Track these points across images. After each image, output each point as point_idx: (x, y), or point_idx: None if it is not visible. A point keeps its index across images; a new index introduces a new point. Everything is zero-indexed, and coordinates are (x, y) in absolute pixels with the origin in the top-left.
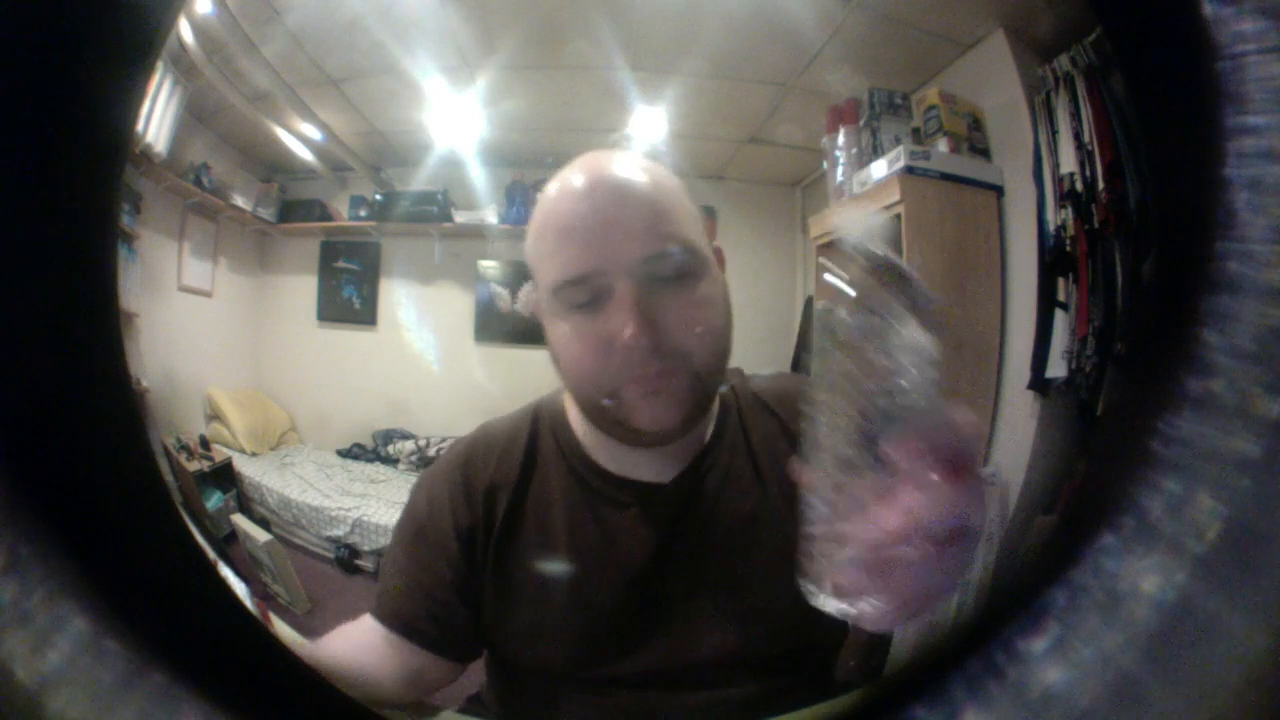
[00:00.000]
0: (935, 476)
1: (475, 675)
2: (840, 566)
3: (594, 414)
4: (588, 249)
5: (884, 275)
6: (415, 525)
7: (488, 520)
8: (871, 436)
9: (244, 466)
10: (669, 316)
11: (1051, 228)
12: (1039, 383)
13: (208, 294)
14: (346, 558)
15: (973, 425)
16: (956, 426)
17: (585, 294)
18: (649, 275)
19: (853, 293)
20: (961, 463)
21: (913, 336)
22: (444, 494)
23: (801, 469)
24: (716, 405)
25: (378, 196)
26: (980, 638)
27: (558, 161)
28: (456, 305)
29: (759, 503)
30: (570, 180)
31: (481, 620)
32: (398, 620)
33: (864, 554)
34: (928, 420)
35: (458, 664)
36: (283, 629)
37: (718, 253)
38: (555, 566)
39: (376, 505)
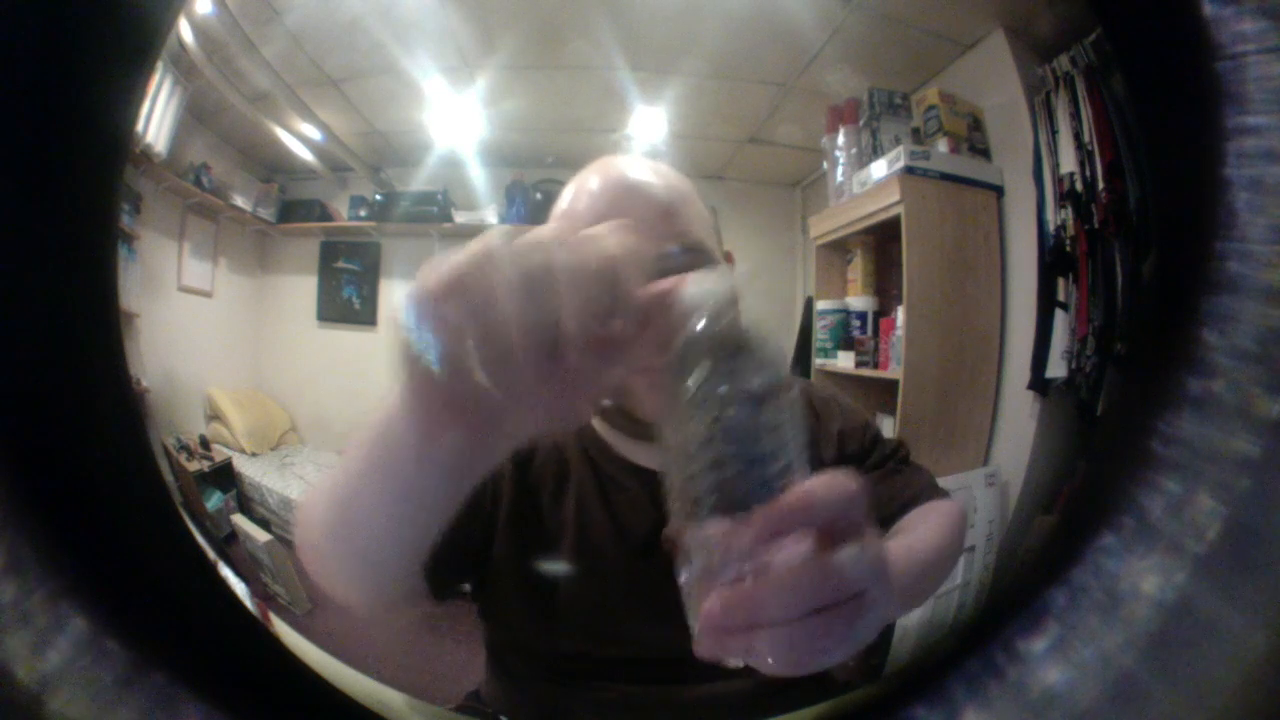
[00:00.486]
0: (778, 551)
1: (475, 674)
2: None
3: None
4: None
5: (720, 343)
6: None
7: (494, 484)
8: (719, 503)
9: (244, 467)
10: None
11: (1051, 228)
12: (1039, 383)
13: (208, 294)
14: None
15: (828, 502)
16: (797, 502)
17: None
18: (660, 272)
19: (684, 355)
20: (814, 536)
21: (757, 401)
22: None
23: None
24: None
25: (378, 196)
26: (980, 638)
27: (558, 161)
28: None
29: None
30: (586, 180)
31: (470, 561)
32: None
33: (701, 618)
34: (755, 494)
35: (425, 590)
36: (283, 629)
37: (727, 256)
38: (560, 535)
39: None
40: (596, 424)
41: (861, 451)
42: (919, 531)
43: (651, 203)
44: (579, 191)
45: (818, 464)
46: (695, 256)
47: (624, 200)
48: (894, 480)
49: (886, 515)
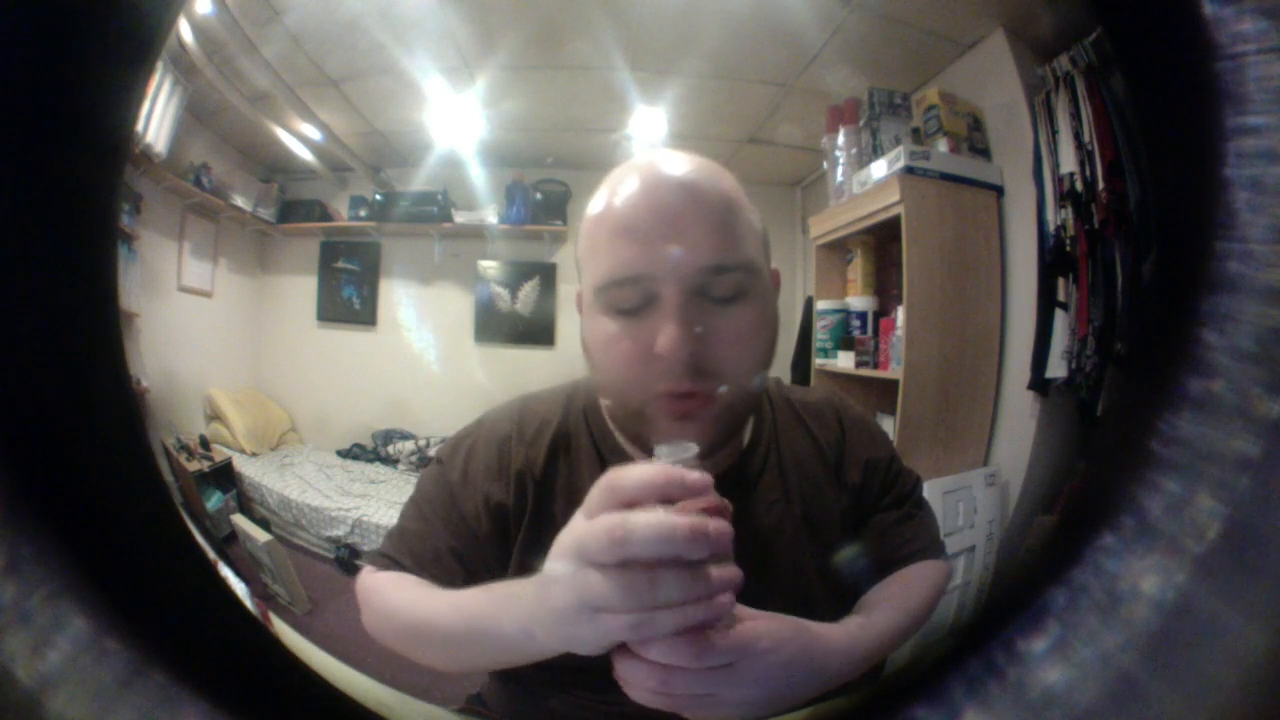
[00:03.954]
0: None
1: (477, 676)
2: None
3: (619, 422)
4: (642, 250)
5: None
6: (448, 490)
7: (519, 504)
8: None
9: (244, 467)
10: (712, 336)
11: (1051, 228)
12: (1039, 383)
13: (208, 294)
14: (346, 558)
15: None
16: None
17: (632, 298)
18: (700, 287)
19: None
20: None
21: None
22: (479, 469)
23: None
24: (751, 418)
25: (378, 196)
26: (980, 638)
27: (558, 161)
28: (456, 305)
29: (782, 517)
30: (634, 176)
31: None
32: (420, 560)
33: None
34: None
35: None
36: (283, 629)
37: (774, 275)
38: None
39: (376, 505)
40: (619, 435)
41: (881, 487)
42: (894, 604)
43: (700, 208)
44: (625, 186)
45: (840, 487)
46: (740, 275)
47: (672, 201)
48: (905, 528)
49: (888, 561)
